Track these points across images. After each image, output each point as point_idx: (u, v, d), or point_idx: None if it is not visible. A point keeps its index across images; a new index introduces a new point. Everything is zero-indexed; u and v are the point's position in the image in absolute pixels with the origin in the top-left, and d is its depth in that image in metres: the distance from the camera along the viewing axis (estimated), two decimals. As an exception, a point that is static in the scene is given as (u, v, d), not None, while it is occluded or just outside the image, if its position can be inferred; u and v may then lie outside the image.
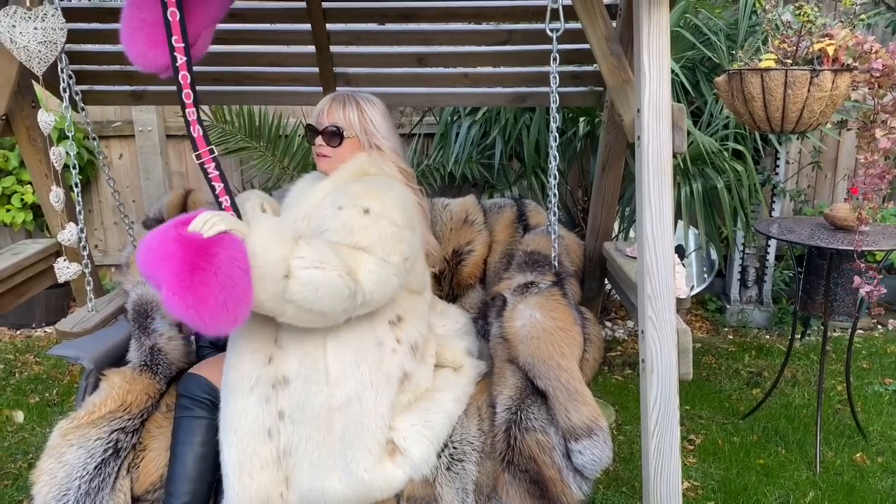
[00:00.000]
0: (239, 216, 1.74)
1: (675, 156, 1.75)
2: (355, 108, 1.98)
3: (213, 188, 1.73)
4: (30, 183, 3.94)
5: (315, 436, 1.77)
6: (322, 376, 1.78)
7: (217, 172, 1.72)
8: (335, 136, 1.96)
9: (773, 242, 3.98)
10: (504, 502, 1.81)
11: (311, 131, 2.00)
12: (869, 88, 1.82)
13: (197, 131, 1.70)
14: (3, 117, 2.14)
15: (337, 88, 2.62)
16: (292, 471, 1.77)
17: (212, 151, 1.71)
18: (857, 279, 1.87)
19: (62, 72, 2.04)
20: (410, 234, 1.88)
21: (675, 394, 1.67)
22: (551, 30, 1.91)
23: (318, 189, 1.97)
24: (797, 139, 3.96)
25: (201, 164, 1.72)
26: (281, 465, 1.77)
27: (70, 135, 2.13)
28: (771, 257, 4.03)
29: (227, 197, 1.74)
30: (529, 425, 1.82)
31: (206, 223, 1.59)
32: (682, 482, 2.49)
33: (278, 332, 1.82)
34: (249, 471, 1.74)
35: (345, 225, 1.79)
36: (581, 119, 3.55)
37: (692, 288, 3.88)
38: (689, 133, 3.06)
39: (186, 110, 1.71)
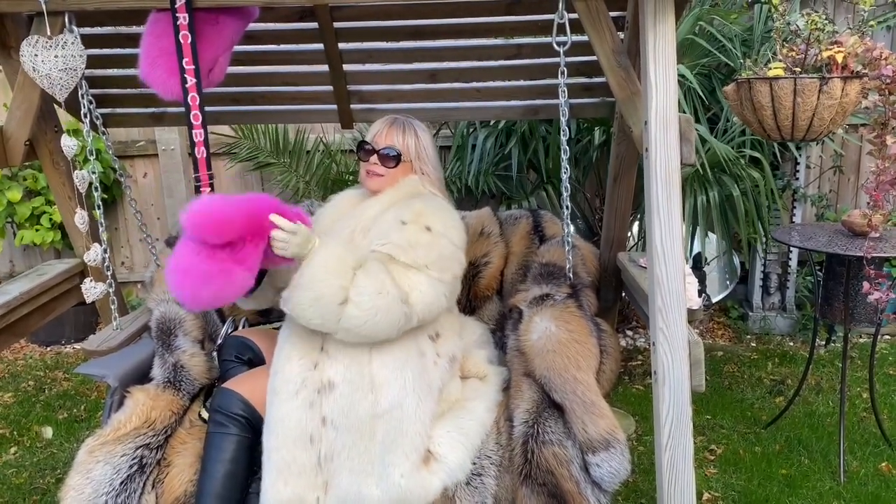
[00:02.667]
0: None
1: (691, 165, 1.76)
2: (413, 136, 2.08)
3: None
4: (57, 203, 4.04)
5: (358, 443, 1.80)
6: (367, 382, 1.82)
7: None
8: (391, 158, 2.03)
9: (794, 248, 3.94)
10: (523, 516, 1.82)
11: (366, 150, 2.06)
12: (879, 95, 1.81)
13: (201, 153, 1.76)
14: (28, 143, 2.21)
15: (351, 106, 2.66)
16: (332, 476, 1.80)
17: (211, 177, 1.77)
18: (865, 285, 1.85)
19: (82, 97, 2.10)
20: (462, 255, 1.99)
21: (688, 405, 1.67)
22: (558, 44, 1.93)
23: (372, 203, 2.05)
24: (816, 144, 3.92)
25: (197, 187, 1.78)
26: (321, 471, 1.81)
27: (92, 157, 2.19)
28: (793, 263, 3.99)
29: None
30: (547, 438, 1.83)
31: (284, 240, 1.69)
32: (703, 493, 2.48)
33: (325, 340, 1.87)
34: (286, 478, 1.78)
35: (408, 240, 1.87)
36: (597, 128, 3.55)
37: (704, 297, 3.85)
38: (704, 141, 3.05)
39: (193, 131, 1.78)
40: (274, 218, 1.66)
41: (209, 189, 1.79)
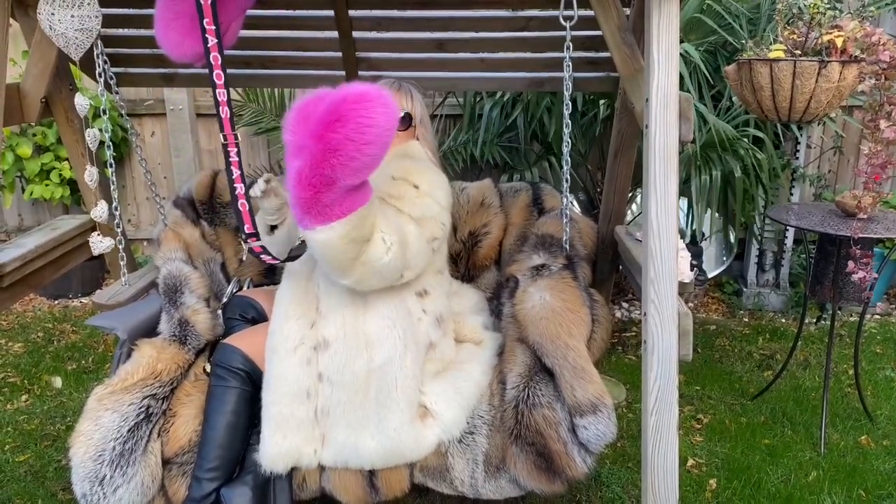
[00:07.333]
0: (250, 205, 1.86)
1: (693, 141, 1.80)
2: (419, 102, 2.13)
3: (230, 172, 1.81)
4: (67, 159, 4.09)
5: (353, 398, 1.87)
6: (362, 340, 1.89)
7: (237, 158, 1.81)
8: (403, 120, 2.08)
9: (791, 227, 3.99)
10: (512, 473, 1.90)
11: None
12: (876, 80, 1.84)
13: (225, 113, 1.78)
14: (43, 100, 2.25)
15: (359, 73, 2.69)
16: (329, 429, 1.88)
17: (236, 137, 1.80)
18: (850, 264, 1.91)
19: (98, 57, 2.13)
20: (447, 218, 2.03)
21: (675, 374, 1.74)
22: (565, 18, 1.96)
23: None
24: (818, 125, 3.94)
25: (224, 146, 1.80)
26: (318, 424, 1.89)
27: (105, 116, 2.23)
28: (789, 242, 4.04)
29: (241, 185, 1.82)
30: (537, 401, 1.90)
31: None
32: (688, 459, 2.57)
33: (319, 301, 1.94)
34: (284, 431, 1.86)
35: (398, 193, 1.91)
36: (602, 101, 3.58)
37: (696, 272, 3.91)
38: (706, 120, 3.08)
39: (217, 90, 1.79)
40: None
41: (235, 149, 1.80)
